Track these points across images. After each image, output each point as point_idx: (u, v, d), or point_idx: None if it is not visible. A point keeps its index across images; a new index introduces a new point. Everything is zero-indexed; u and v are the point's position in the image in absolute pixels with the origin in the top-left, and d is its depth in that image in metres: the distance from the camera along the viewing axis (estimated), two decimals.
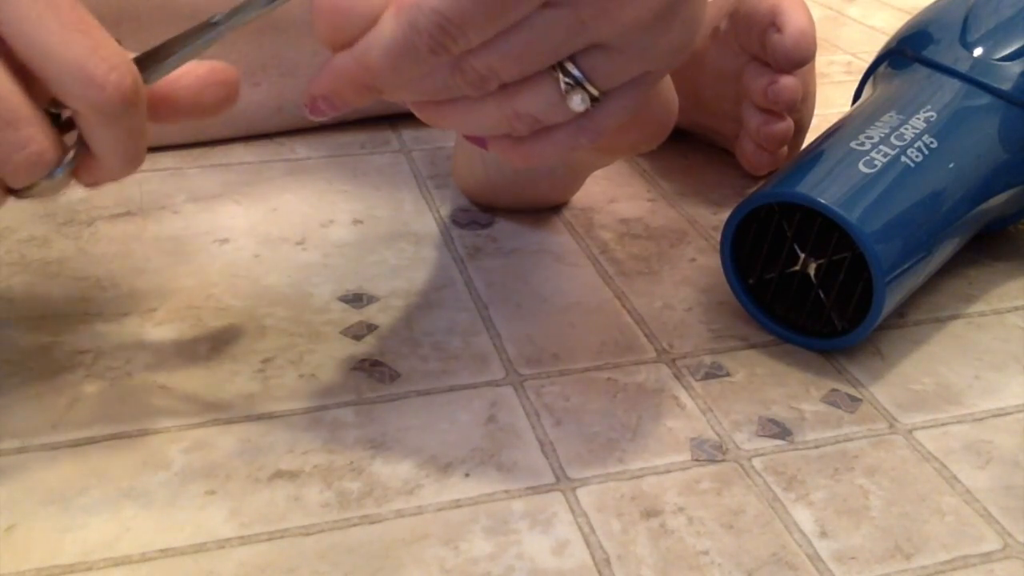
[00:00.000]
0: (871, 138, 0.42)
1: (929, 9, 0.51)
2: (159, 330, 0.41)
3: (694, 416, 0.38)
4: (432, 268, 0.47)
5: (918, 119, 0.43)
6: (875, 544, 0.33)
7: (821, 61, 0.74)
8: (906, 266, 0.40)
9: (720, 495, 0.35)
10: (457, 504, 0.34)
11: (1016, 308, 0.46)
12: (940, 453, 0.37)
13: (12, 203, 0.31)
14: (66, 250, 0.46)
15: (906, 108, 0.44)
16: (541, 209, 0.52)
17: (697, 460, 0.36)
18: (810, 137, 0.54)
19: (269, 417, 0.37)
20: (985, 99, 0.45)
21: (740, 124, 0.55)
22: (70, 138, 0.31)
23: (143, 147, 0.31)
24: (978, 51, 0.46)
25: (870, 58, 0.52)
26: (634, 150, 0.40)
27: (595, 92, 0.30)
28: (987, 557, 0.33)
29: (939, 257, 0.43)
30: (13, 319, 0.41)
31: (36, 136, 0.29)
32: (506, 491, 0.34)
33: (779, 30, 0.50)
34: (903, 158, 0.42)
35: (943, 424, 0.39)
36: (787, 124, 0.53)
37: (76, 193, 0.51)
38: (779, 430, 0.38)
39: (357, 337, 0.42)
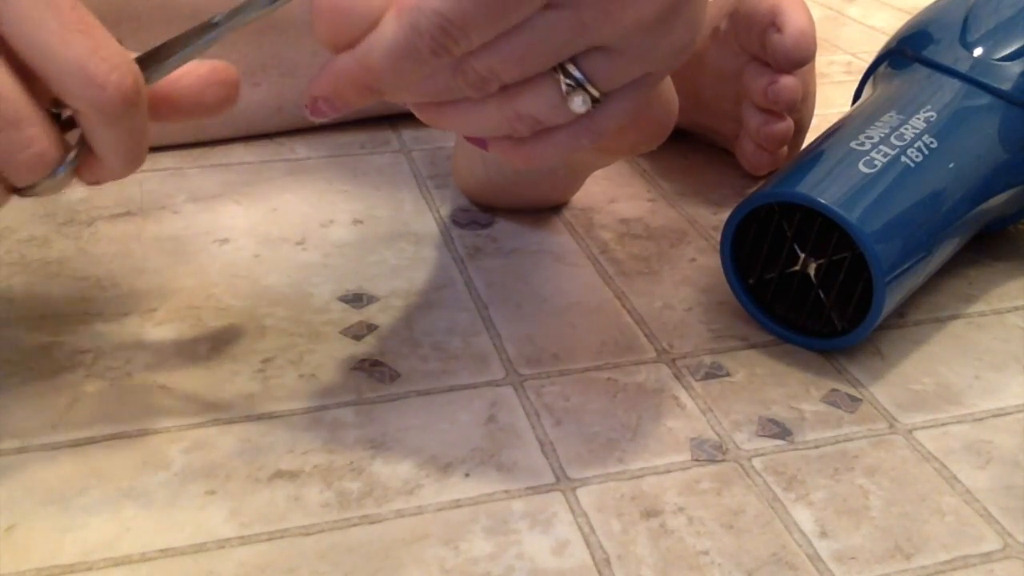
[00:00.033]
0: (871, 138, 0.42)
1: (929, 9, 0.51)
2: (159, 330, 0.41)
3: (694, 416, 0.38)
4: (432, 268, 0.47)
5: (918, 119, 0.43)
6: (875, 544, 0.33)
7: (821, 61, 0.74)
8: (906, 266, 0.40)
9: (720, 495, 0.35)
10: (457, 504, 0.34)
11: (1016, 308, 0.46)
12: (940, 453, 0.37)
13: (14, 201, 0.31)
14: (66, 250, 0.46)
15: (906, 108, 0.44)
16: (541, 209, 0.52)
17: (697, 460, 0.36)
18: (810, 137, 0.54)
19: (269, 417, 0.37)
20: (985, 99, 0.45)
21: (740, 124, 0.55)
22: (72, 136, 0.31)
23: (144, 147, 0.31)
24: (978, 51, 0.46)
25: (870, 58, 0.52)
26: (634, 150, 0.40)
27: (596, 93, 0.30)
28: (987, 557, 0.33)
29: (939, 257, 0.43)
30: (13, 319, 0.41)
31: (39, 136, 0.29)
32: (506, 491, 0.34)
33: (779, 30, 0.50)
34: (903, 158, 0.42)
35: (943, 424, 0.39)
36: (787, 124, 0.53)
37: (76, 193, 0.51)
38: (779, 430, 0.38)
39: (357, 337, 0.42)
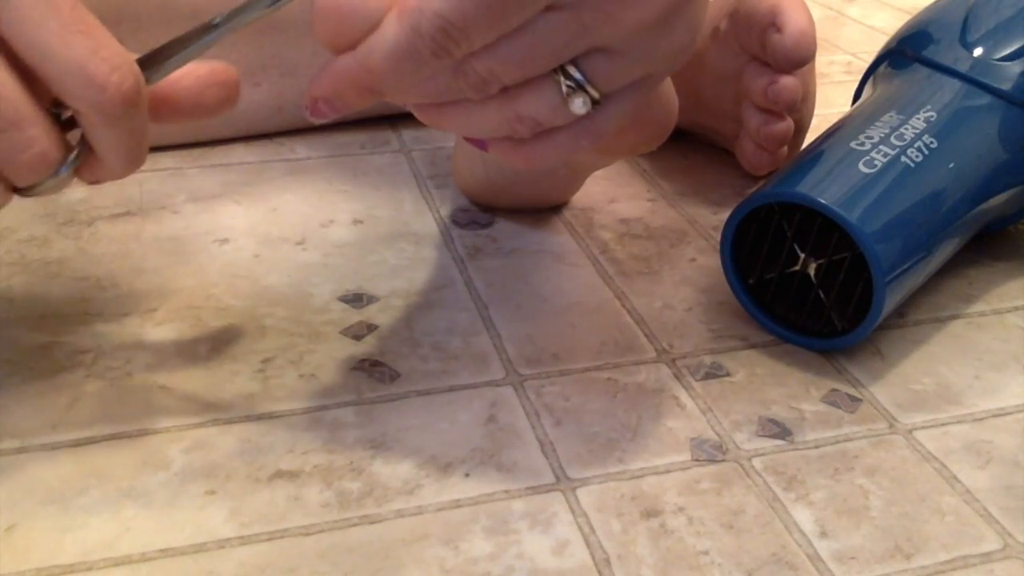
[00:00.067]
0: (871, 138, 0.42)
1: (929, 9, 0.51)
2: (159, 330, 0.41)
3: (694, 416, 0.38)
4: (432, 268, 0.47)
5: (918, 119, 0.43)
6: (875, 544, 0.33)
7: (821, 61, 0.74)
8: (906, 266, 0.40)
9: (720, 495, 0.35)
10: (457, 504, 0.34)
11: (1016, 308, 0.46)
12: (940, 453, 0.37)
13: (14, 201, 0.31)
14: (66, 250, 0.46)
15: (906, 108, 0.44)
16: (541, 209, 0.52)
17: (697, 460, 0.36)
18: (810, 137, 0.54)
19: (269, 417, 0.37)
20: (985, 99, 0.45)
21: (740, 124, 0.55)
22: (73, 136, 0.31)
23: (144, 147, 0.31)
24: (978, 51, 0.46)
25: (870, 58, 0.52)
26: (634, 151, 0.40)
27: (596, 95, 0.30)
28: (987, 557, 0.33)
29: (939, 257, 0.43)
30: (13, 319, 0.41)
31: (40, 137, 0.29)
32: (506, 491, 0.34)
33: (779, 30, 0.50)
34: (903, 158, 0.42)
35: (943, 424, 0.39)
36: (787, 124, 0.53)
37: (76, 193, 0.51)
38: (779, 430, 0.38)
39: (357, 337, 0.42)
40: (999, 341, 0.44)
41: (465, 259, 0.48)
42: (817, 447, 0.37)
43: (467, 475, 0.35)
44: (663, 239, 0.50)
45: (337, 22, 0.28)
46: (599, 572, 0.32)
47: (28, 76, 0.29)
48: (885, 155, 0.41)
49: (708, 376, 0.41)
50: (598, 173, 0.55)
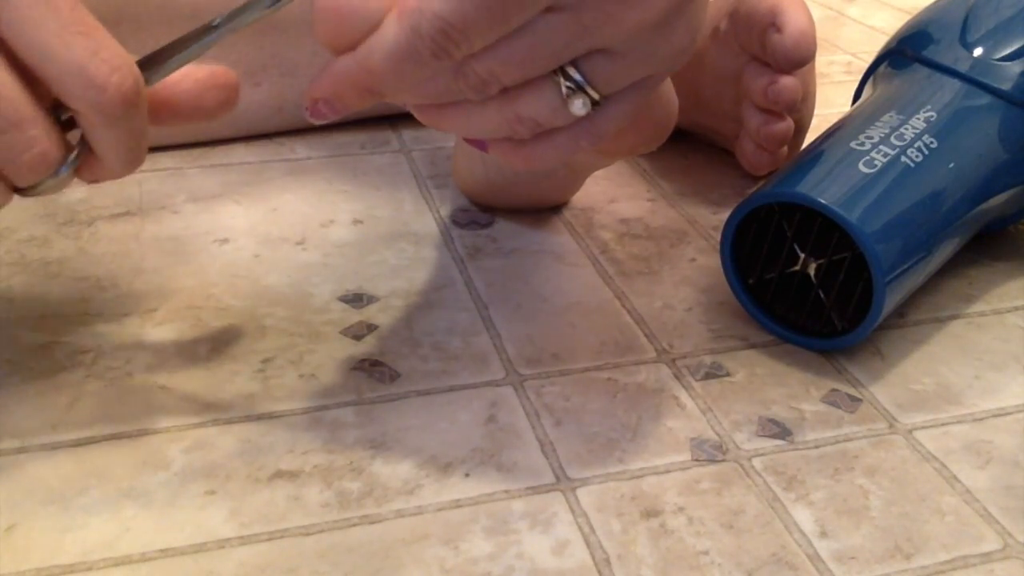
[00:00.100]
0: (871, 138, 0.42)
1: (929, 9, 0.51)
2: (159, 330, 0.41)
3: (694, 416, 0.38)
4: (432, 268, 0.47)
5: (918, 119, 0.43)
6: (875, 544, 0.33)
7: (821, 61, 0.74)
8: (906, 266, 0.40)
9: (720, 495, 0.35)
10: (457, 504, 0.34)
11: (1016, 308, 0.46)
12: (940, 453, 0.37)
13: (14, 201, 0.31)
14: (66, 250, 0.46)
15: (906, 108, 0.44)
16: (541, 209, 0.52)
17: (697, 460, 0.36)
18: (810, 137, 0.54)
19: (269, 417, 0.37)
20: (985, 99, 0.45)
21: (740, 124, 0.55)
22: (73, 136, 0.31)
23: (144, 147, 0.31)
24: (978, 51, 0.46)
25: (870, 58, 0.52)
26: (634, 151, 0.40)
27: (596, 96, 0.30)
28: (987, 557, 0.33)
29: (939, 257, 0.43)
30: (13, 319, 0.41)
31: (40, 137, 0.29)
32: (506, 491, 0.34)
33: (779, 30, 0.50)
34: (903, 158, 0.42)
35: (943, 424, 0.39)
36: (787, 124, 0.53)
37: (76, 193, 0.51)
38: (779, 430, 0.38)
39: (357, 337, 0.42)
40: (999, 341, 0.44)
41: (465, 259, 0.48)
42: (817, 447, 0.37)
43: (467, 475, 0.35)
44: (663, 239, 0.50)
45: (337, 23, 0.28)
46: (599, 572, 0.32)
47: (28, 76, 0.29)
48: (885, 155, 0.41)
49: (708, 376, 0.41)
50: (598, 173, 0.55)
